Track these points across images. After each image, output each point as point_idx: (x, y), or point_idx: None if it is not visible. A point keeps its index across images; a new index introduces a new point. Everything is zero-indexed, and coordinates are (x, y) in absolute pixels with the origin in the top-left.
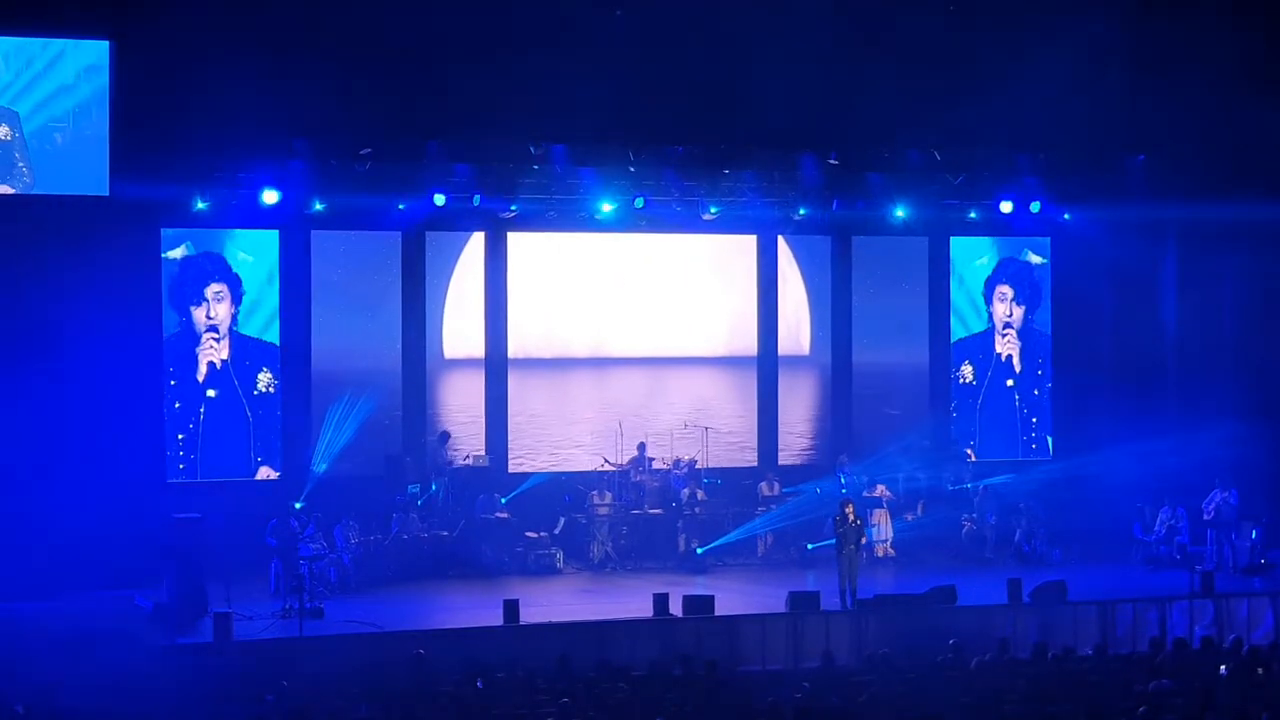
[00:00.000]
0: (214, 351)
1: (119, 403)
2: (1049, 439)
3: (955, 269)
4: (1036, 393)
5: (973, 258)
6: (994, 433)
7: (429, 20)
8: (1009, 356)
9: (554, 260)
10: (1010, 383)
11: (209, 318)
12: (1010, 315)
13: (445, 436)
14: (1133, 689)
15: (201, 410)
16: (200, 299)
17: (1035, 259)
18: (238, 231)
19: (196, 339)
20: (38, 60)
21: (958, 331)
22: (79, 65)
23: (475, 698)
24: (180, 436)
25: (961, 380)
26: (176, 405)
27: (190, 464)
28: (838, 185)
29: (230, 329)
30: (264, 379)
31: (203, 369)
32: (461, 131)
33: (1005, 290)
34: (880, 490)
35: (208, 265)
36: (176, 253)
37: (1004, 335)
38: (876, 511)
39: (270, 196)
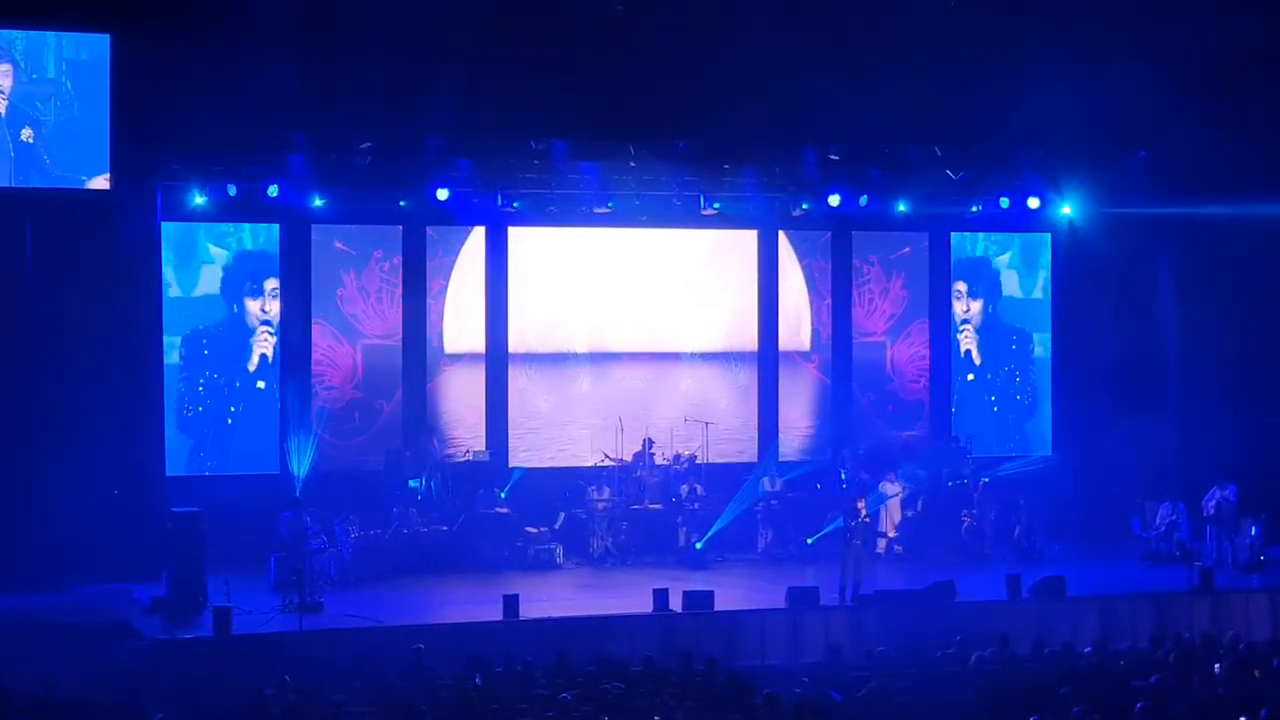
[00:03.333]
0: (266, 344)
1: (118, 396)
2: (1031, 432)
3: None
4: (1018, 378)
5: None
6: (967, 428)
7: (429, 14)
8: (968, 351)
9: (554, 255)
10: (970, 377)
11: (264, 311)
12: (967, 311)
13: (431, 432)
14: (1131, 685)
15: (232, 409)
16: (259, 292)
17: (987, 250)
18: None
19: (248, 330)
20: (39, 55)
21: None
22: (79, 59)
23: (474, 693)
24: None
25: None
26: (213, 399)
27: (215, 456)
28: (838, 180)
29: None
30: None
31: (254, 360)
32: (462, 126)
33: (960, 287)
34: (894, 486)
35: (264, 260)
36: (232, 245)
37: (961, 331)
38: (882, 507)
39: (270, 190)
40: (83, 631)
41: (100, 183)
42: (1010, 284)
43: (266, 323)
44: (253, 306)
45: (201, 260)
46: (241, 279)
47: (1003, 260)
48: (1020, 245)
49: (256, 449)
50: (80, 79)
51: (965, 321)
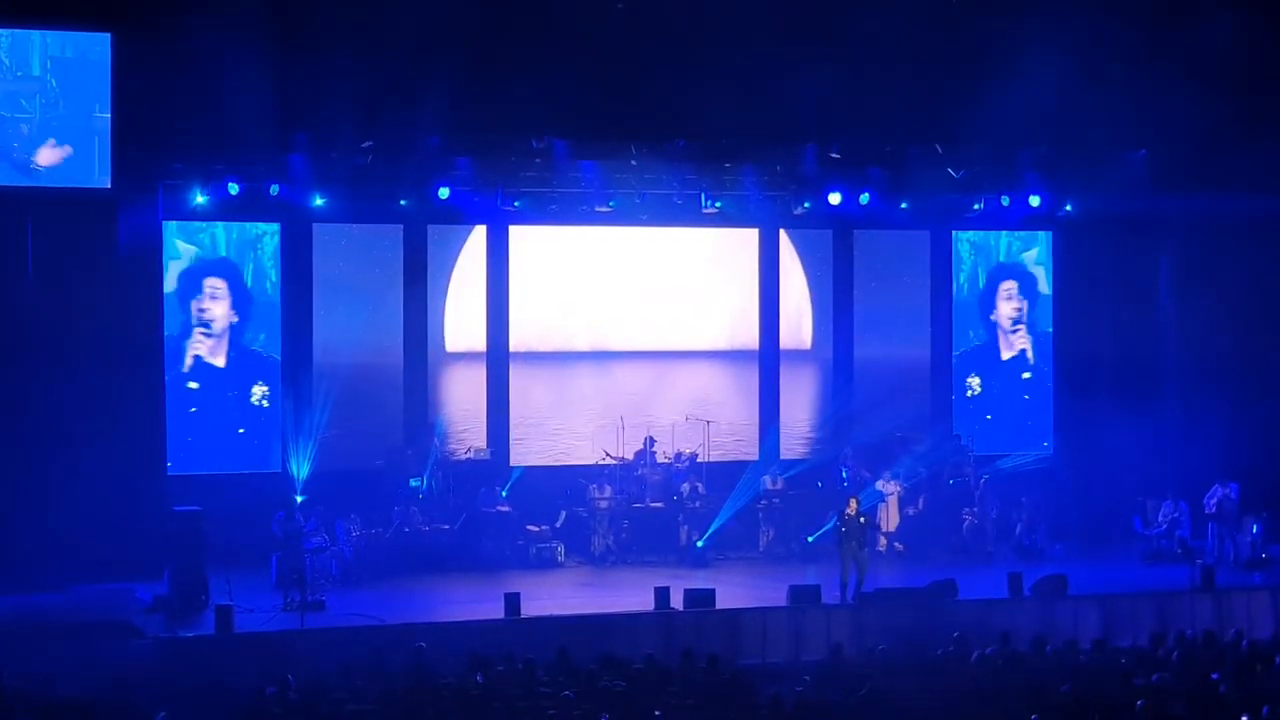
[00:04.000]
0: (201, 345)
1: (120, 395)
2: (1032, 430)
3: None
4: (1028, 378)
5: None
6: (1004, 433)
7: (430, 12)
8: (1022, 350)
9: (555, 254)
10: (1027, 375)
11: (200, 311)
12: (1020, 310)
13: (432, 431)
14: (1133, 683)
15: (193, 409)
16: (198, 290)
17: (1028, 255)
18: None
19: (187, 331)
20: (24, 53)
21: (958, 344)
22: (65, 57)
23: (476, 691)
24: (188, 438)
25: (970, 394)
26: (192, 410)
27: (193, 457)
28: (839, 179)
29: (229, 335)
30: (258, 391)
31: (188, 361)
32: (463, 125)
33: (1010, 286)
34: (890, 485)
35: (212, 266)
36: (191, 252)
37: (1015, 331)
38: (880, 506)
39: (271, 190)
40: (84, 631)
41: (76, 177)
42: (1040, 281)
43: (204, 324)
44: (192, 307)
45: (170, 256)
46: (198, 278)
47: (1029, 256)
48: (1044, 241)
49: (231, 454)
50: (66, 77)
51: (1018, 322)
